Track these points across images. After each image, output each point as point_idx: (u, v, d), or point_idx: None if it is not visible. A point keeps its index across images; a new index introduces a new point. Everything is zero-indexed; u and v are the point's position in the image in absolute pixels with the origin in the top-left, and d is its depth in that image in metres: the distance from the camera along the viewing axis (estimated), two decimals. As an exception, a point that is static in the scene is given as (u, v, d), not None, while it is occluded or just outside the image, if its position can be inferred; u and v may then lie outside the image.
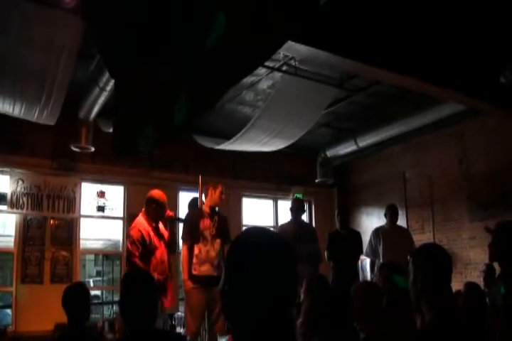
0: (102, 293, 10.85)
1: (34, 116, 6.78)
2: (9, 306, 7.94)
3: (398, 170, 9.76)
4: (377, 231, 7.63)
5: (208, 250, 5.79)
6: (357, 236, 7.77)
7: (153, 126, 3.49)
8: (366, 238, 7.80)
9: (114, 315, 8.75)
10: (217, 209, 6.23)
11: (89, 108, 7.38)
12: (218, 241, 5.85)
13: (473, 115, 7.61)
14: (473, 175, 8.48)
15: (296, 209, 7.32)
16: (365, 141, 9.28)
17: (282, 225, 7.56)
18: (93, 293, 12.18)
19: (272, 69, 6.95)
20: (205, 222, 5.90)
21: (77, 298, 3.86)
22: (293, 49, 4.58)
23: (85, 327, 3.89)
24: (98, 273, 12.67)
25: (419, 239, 8.25)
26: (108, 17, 3.71)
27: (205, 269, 5.75)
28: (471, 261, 8.23)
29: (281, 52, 6.03)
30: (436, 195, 9.12)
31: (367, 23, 4.45)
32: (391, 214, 7.63)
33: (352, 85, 7.61)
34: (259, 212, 10.58)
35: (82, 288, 4.08)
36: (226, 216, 6.36)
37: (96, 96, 6.88)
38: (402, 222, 8.51)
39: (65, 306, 3.80)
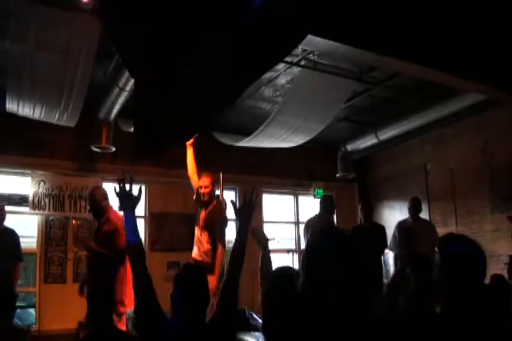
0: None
1: (55, 118, 6.82)
2: (33, 306, 8.02)
3: (419, 163, 9.66)
4: (401, 225, 7.58)
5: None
6: (381, 231, 7.73)
7: (175, 125, 3.49)
8: (389, 232, 7.74)
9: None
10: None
11: (109, 108, 7.39)
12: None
13: (493, 105, 7.50)
14: (494, 166, 8.37)
15: (331, 210, 7.33)
16: (385, 134, 9.20)
17: (310, 219, 7.50)
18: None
19: (291, 64, 6.90)
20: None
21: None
22: (312, 43, 4.55)
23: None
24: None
25: (442, 232, 8.11)
26: (127, 16, 3.71)
27: None
28: (495, 253, 8.11)
29: (300, 47, 5.99)
30: (458, 187, 9.02)
31: (386, 14, 4.40)
32: (414, 208, 7.58)
33: (371, 78, 7.54)
34: (280, 208, 10.56)
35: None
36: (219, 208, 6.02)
37: (116, 97, 6.89)
38: (424, 215, 8.43)
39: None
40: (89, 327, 4.03)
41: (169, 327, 2.79)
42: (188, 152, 5.93)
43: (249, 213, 3.32)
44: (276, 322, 2.06)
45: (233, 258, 3.16)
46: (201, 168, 6.02)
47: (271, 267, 3.50)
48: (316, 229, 6.94)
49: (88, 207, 6.94)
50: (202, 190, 5.79)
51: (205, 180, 5.82)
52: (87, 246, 5.95)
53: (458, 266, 2.46)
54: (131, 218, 3.03)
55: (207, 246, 5.73)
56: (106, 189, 6.23)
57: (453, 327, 2.24)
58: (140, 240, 3.04)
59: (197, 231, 5.87)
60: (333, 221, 7.55)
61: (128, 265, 5.87)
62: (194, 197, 5.93)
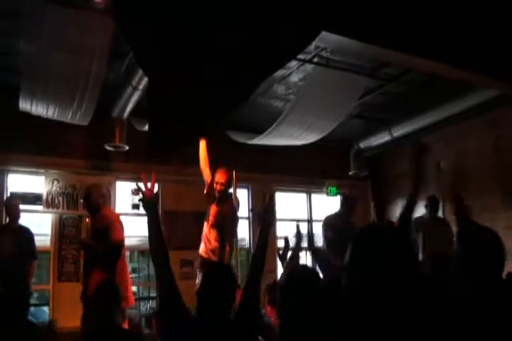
0: (138, 289, 10.96)
1: (68, 117, 6.85)
2: (46, 303, 8.09)
3: (433, 160, 9.60)
4: (417, 222, 7.52)
5: None
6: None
7: (189, 123, 3.49)
8: (403, 230, 7.69)
9: (151, 311, 8.81)
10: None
11: (122, 107, 7.41)
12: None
13: (506, 102, 7.44)
14: (508, 164, 8.31)
15: (351, 207, 7.27)
16: (399, 131, 9.15)
17: (329, 217, 7.45)
18: (129, 289, 12.37)
19: (304, 61, 6.88)
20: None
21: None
22: (325, 39, 4.53)
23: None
24: (134, 270, 12.78)
25: (454, 229, 8.11)
26: (139, 15, 3.71)
27: None
28: (508, 251, 8.04)
29: (313, 44, 5.97)
30: (471, 185, 8.94)
31: (399, 10, 4.38)
32: (431, 206, 7.51)
33: (384, 74, 7.51)
34: (293, 206, 10.54)
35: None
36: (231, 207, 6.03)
37: (129, 96, 6.91)
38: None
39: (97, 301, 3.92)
40: (91, 326, 4.06)
41: (195, 325, 2.85)
42: (201, 145, 5.89)
43: (270, 218, 3.43)
44: (297, 320, 2.06)
45: (254, 261, 3.26)
46: (214, 165, 6.00)
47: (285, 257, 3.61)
48: (334, 226, 6.91)
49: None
50: (217, 187, 5.70)
51: (222, 177, 5.72)
52: (83, 242, 5.99)
53: (478, 257, 2.44)
54: (155, 219, 3.11)
55: (215, 244, 5.69)
56: (101, 187, 6.33)
57: (469, 320, 2.23)
58: (163, 240, 3.08)
59: (205, 227, 5.81)
60: (353, 220, 7.44)
61: (125, 260, 5.98)
62: (205, 190, 5.87)
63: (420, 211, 7.83)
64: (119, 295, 4.19)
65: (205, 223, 5.83)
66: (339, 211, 7.32)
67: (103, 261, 5.66)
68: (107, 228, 5.77)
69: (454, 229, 7.68)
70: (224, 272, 3.11)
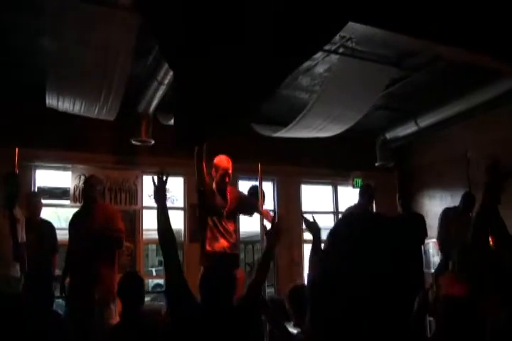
0: (165, 282, 11.06)
1: (94, 112, 6.90)
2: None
3: (460, 150, 9.45)
4: (447, 213, 7.44)
5: None
6: (420, 220, 7.62)
7: (215, 115, 3.49)
8: (429, 221, 7.63)
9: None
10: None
11: (148, 102, 7.46)
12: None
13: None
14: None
15: (369, 196, 7.22)
16: (425, 121, 9.00)
17: (350, 208, 7.43)
18: (156, 281, 12.52)
19: (329, 52, 6.80)
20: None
21: (132, 285, 4.00)
22: (350, 29, 4.50)
23: (141, 313, 4.01)
24: (160, 263, 12.93)
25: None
26: (168, 8, 3.72)
27: None
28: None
29: (338, 34, 5.90)
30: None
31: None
32: (465, 203, 7.37)
33: (410, 64, 7.40)
34: (319, 198, 10.52)
35: (136, 276, 4.22)
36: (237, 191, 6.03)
37: (154, 90, 6.95)
38: (464, 203, 8.28)
39: (120, 294, 3.96)
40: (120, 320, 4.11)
41: (198, 310, 3.03)
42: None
43: (277, 237, 3.64)
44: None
45: (260, 268, 3.51)
46: (240, 160, 5.95)
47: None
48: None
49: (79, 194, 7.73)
50: (227, 178, 5.41)
51: (229, 166, 5.43)
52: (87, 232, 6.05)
53: None
54: (165, 209, 3.28)
55: (235, 236, 5.62)
56: (100, 178, 6.71)
57: None
58: (172, 229, 3.26)
59: (221, 222, 5.46)
60: (372, 209, 7.41)
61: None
62: (206, 181, 5.40)
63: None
64: (143, 289, 4.23)
65: (215, 218, 5.42)
66: (359, 201, 7.31)
67: (108, 251, 5.85)
68: (112, 217, 5.94)
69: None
70: (220, 261, 3.43)
